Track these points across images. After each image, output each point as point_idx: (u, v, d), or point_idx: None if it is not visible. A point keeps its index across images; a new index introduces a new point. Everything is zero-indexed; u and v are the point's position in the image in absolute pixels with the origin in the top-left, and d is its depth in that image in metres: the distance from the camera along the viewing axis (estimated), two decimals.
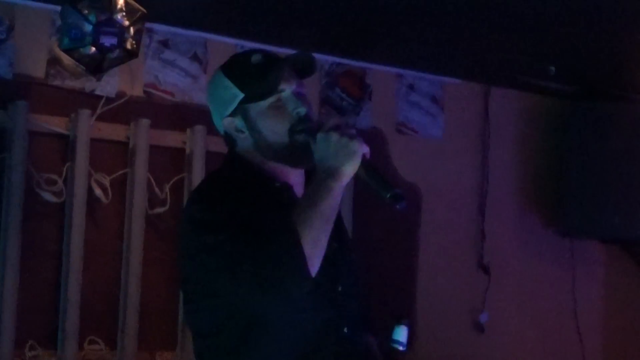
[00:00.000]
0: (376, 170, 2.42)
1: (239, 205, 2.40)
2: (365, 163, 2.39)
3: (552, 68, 4.91)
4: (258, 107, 2.49)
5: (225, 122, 2.55)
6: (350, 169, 2.36)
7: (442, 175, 5.23)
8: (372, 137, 4.87)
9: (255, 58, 2.52)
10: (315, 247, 2.29)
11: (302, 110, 2.49)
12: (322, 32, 4.40)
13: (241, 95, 2.50)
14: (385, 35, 4.47)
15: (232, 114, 2.53)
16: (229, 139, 2.58)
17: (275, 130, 2.48)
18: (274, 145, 2.49)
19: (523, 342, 5.47)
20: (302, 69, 2.55)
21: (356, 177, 2.40)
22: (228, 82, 2.52)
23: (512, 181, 5.50)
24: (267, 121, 2.49)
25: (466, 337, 5.28)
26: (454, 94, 5.27)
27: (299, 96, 2.52)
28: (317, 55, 4.56)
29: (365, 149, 2.39)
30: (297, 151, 2.47)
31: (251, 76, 2.50)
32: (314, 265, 2.29)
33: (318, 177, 2.37)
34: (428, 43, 4.57)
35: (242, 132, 2.53)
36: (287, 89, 2.50)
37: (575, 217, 5.30)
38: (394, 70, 5.05)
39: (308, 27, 4.29)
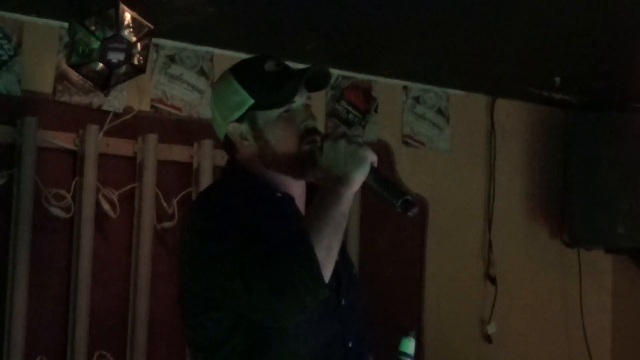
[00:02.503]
0: (385, 177, 2.42)
1: (243, 213, 2.38)
2: (374, 171, 2.39)
3: (557, 79, 4.92)
4: (267, 116, 2.47)
5: (230, 127, 2.51)
6: (359, 176, 2.35)
7: (449, 187, 5.24)
8: (379, 149, 4.88)
9: (269, 66, 2.50)
10: (327, 255, 2.27)
11: (311, 122, 2.49)
12: (328, 45, 4.42)
13: (251, 102, 2.47)
14: (390, 48, 4.49)
15: (239, 120, 2.50)
16: (229, 145, 2.55)
17: (283, 140, 2.47)
18: (280, 155, 2.48)
19: (531, 352, 5.47)
20: (315, 82, 2.55)
21: (365, 185, 2.39)
22: (238, 87, 2.49)
23: (518, 192, 5.51)
24: (276, 131, 2.47)
25: (474, 348, 5.28)
26: (460, 105, 5.28)
27: (307, 109, 2.52)
28: None
29: (373, 157, 2.39)
30: (302, 162, 2.47)
31: (265, 84, 2.47)
32: (327, 273, 2.27)
33: (327, 184, 2.36)
34: (433, 55, 4.58)
35: (247, 139, 2.50)
36: (298, 100, 2.49)
37: (582, 227, 5.30)
38: (399, 82, 5.06)
39: (314, 40, 4.31)
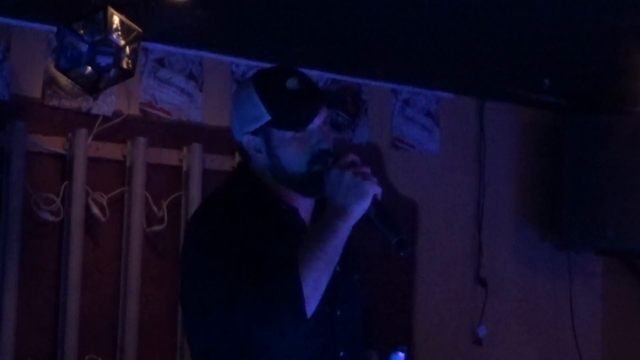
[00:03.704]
0: (386, 213, 2.40)
1: (244, 229, 2.39)
2: (376, 204, 2.38)
3: (546, 81, 4.92)
4: (282, 135, 2.46)
5: (245, 138, 2.51)
6: (359, 210, 2.35)
7: (439, 190, 5.25)
8: (368, 152, 4.89)
9: (292, 83, 2.47)
10: (315, 290, 2.28)
11: (325, 145, 2.48)
12: (317, 48, 4.42)
13: (268, 118, 2.46)
14: (380, 51, 4.49)
15: (254, 132, 2.49)
16: (244, 153, 2.56)
17: (295, 160, 2.46)
18: (290, 174, 2.47)
19: (521, 355, 5.48)
20: (333, 103, 2.53)
21: (365, 217, 2.39)
22: (258, 100, 2.47)
23: (508, 194, 5.52)
24: (289, 150, 2.46)
25: (465, 351, 5.28)
26: (449, 108, 5.29)
27: (323, 129, 2.50)
28: (312, 72, 4.63)
29: (377, 190, 2.38)
30: (311, 182, 2.46)
31: (284, 103, 2.46)
32: (312, 307, 2.28)
33: (326, 215, 2.36)
34: (423, 59, 4.58)
35: (260, 152, 2.50)
36: (315, 122, 2.47)
37: (572, 230, 5.31)
38: (389, 85, 5.07)
39: (303, 44, 4.31)
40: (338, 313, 2.53)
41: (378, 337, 2.86)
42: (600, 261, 5.83)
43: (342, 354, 2.53)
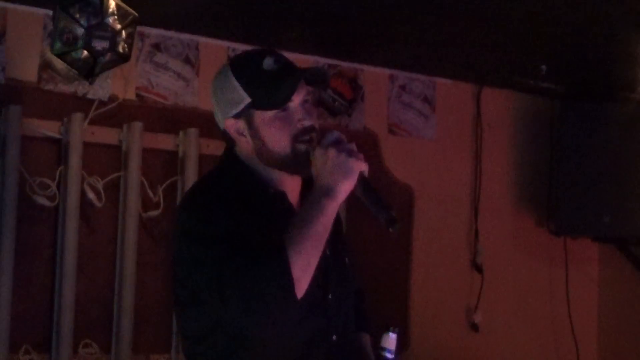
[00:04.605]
0: (373, 189, 2.39)
1: (231, 216, 2.37)
2: (362, 181, 2.37)
3: (543, 67, 4.91)
4: (264, 115, 2.46)
5: (228, 122, 2.51)
6: (345, 188, 2.34)
7: (435, 175, 5.24)
8: (365, 138, 4.88)
9: (268, 63, 2.46)
10: (304, 270, 2.27)
11: (307, 122, 2.46)
12: (314, 33, 4.41)
13: (248, 100, 2.46)
14: (377, 36, 4.48)
15: (236, 116, 2.49)
16: (228, 138, 2.55)
17: (278, 139, 2.45)
18: (276, 154, 2.46)
19: (517, 341, 5.48)
20: (315, 78, 2.53)
21: (352, 194, 2.37)
22: (236, 84, 2.47)
23: (504, 180, 5.51)
24: (272, 130, 2.45)
25: (460, 337, 5.29)
26: (446, 94, 5.28)
27: (305, 106, 2.48)
28: (309, 57, 4.62)
29: (363, 166, 2.37)
30: (297, 161, 2.45)
31: (262, 84, 2.45)
32: (302, 288, 2.27)
33: (313, 195, 2.35)
34: (420, 44, 4.57)
35: (244, 135, 2.50)
36: (296, 99, 2.46)
37: (568, 216, 5.30)
38: (386, 71, 5.06)
39: (300, 28, 4.30)
40: (330, 297, 2.52)
41: (371, 320, 2.86)
42: (596, 247, 5.82)
43: (334, 338, 2.52)
